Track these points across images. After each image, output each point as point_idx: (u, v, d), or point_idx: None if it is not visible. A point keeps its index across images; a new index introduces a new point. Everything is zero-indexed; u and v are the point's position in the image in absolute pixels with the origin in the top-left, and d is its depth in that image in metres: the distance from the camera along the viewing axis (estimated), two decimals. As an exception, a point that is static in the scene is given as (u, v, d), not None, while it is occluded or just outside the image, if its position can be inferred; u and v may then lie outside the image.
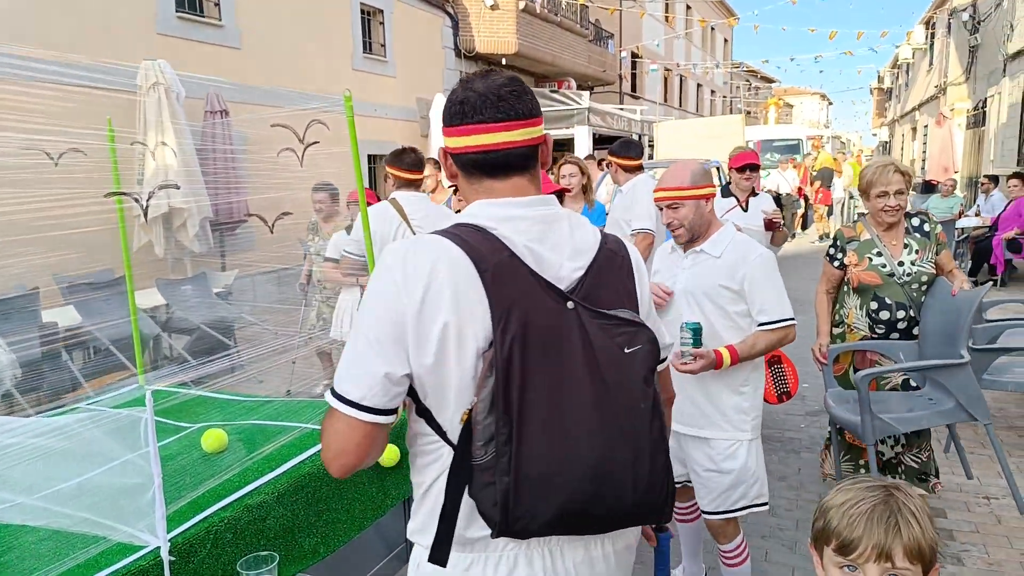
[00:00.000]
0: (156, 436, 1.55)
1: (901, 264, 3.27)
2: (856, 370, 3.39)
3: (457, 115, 1.24)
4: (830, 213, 16.00)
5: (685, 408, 2.48)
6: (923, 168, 21.36)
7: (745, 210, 4.53)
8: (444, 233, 1.21)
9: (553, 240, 1.24)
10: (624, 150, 4.66)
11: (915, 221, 3.37)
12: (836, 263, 3.44)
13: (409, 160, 3.84)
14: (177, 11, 8.26)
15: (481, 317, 1.14)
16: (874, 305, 3.35)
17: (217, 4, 8.87)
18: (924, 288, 3.29)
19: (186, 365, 4.60)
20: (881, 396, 3.37)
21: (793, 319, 2.43)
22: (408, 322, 1.15)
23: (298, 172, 3.37)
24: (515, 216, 1.23)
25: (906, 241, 3.31)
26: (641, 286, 1.34)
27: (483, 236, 1.19)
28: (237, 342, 6.31)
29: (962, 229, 9.77)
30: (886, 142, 33.08)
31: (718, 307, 2.45)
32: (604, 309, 1.21)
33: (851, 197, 16.19)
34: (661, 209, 2.53)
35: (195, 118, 8.07)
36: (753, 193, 4.62)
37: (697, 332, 2.34)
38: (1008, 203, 9.23)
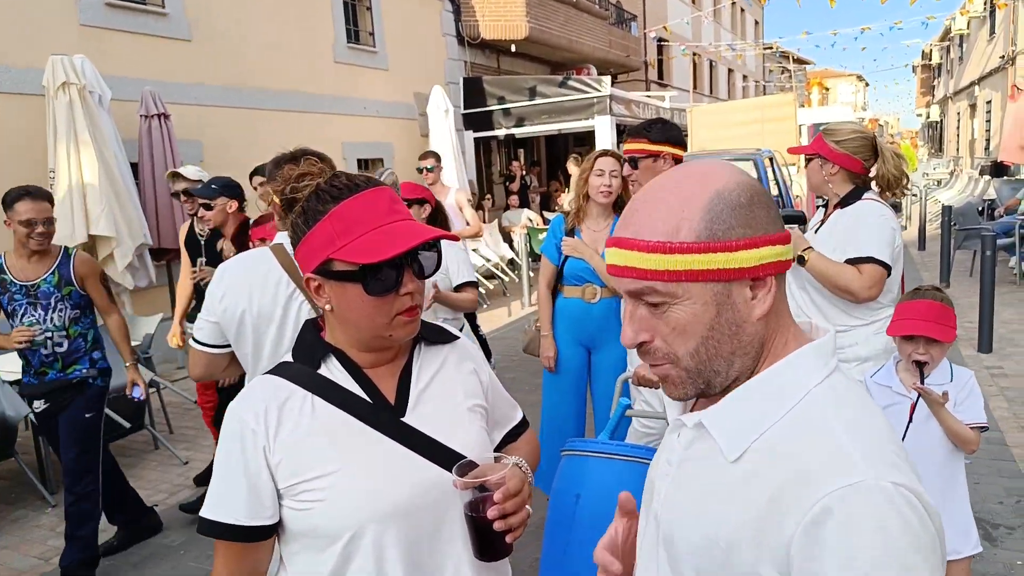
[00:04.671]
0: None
1: None
2: None
3: None
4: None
5: None
6: (987, 148, 19.28)
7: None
8: None
9: None
10: (660, 131, 3.00)
11: None
12: None
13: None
14: (106, -3, 6.82)
15: None
16: None
17: (160, -12, 7.42)
18: None
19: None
20: None
21: None
22: None
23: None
24: None
25: None
26: None
27: None
28: (154, 417, 4.82)
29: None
30: (936, 122, 30.69)
31: None
32: None
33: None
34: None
35: (129, 125, 6.65)
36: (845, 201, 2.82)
37: None
38: None
